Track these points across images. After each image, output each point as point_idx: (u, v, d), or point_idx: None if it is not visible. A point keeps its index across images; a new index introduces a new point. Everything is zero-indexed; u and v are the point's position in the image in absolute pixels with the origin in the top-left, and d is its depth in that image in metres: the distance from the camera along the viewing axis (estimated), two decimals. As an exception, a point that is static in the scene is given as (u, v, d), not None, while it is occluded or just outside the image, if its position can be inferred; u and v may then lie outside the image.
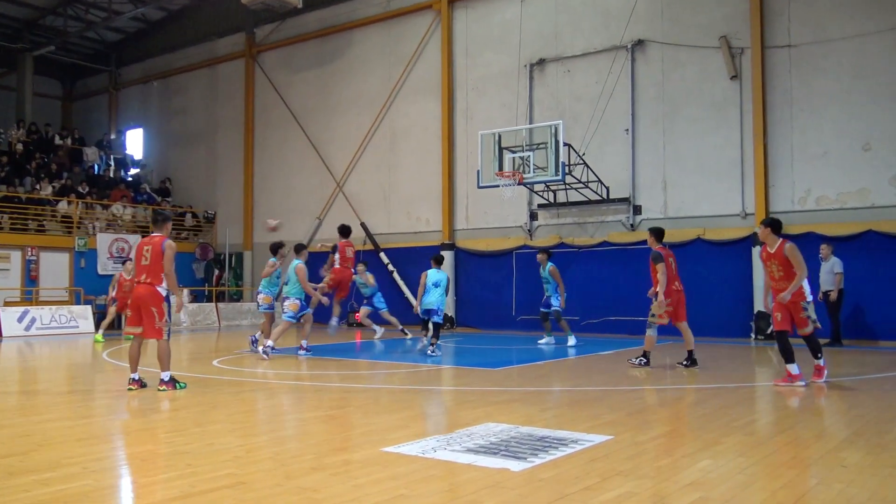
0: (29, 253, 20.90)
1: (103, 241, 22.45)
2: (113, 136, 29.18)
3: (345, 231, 14.90)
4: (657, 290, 10.22)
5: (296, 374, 10.68)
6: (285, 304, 12.46)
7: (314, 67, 23.95)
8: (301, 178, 24.13)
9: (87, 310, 20.14)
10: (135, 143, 29.85)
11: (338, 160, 23.17)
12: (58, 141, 26.76)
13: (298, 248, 12.91)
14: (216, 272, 25.24)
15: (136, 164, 28.96)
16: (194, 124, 27.54)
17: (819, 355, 8.72)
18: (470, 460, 5.02)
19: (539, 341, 14.68)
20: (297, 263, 12.51)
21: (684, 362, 10.54)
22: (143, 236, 23.10)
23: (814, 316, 8.65)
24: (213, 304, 22.86)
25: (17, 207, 21.76)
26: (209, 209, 26.55)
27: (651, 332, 10.54)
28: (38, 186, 23.25)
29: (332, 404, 7.83)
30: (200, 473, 4.79)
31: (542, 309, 14.45)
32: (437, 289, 12.58)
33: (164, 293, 8.59)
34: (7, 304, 19.75)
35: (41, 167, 24.49)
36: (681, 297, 10.60)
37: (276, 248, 13.08)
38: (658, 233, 10.78)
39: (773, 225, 8.84)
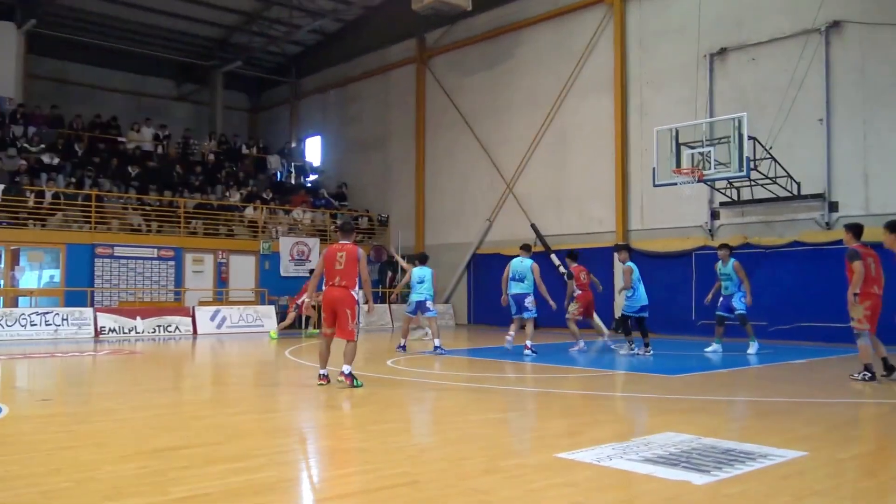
0: (220, 256, 22.68)
1: (285, 244, 23.92)
2: (293, 145, 31.10)
3: (573, 256, 14.81)
4: (852, 290, 9.37)
5: (468, 375, 10.85)
6: (527, 301, 13.04)
7: (483, 69, 24.26)
8: (471, 181, 24.51)
9: (271, 310, 21.53)
10: (313, 150, 31.61)
11: (508, 161, 23.32)
12: (244, 151, 28.87)
13: (527, 248, 13.68)
14: (389, 274, 26.12)
15: (314, 170, 30.66)
16: (368, 130, 28.73)
17: None
18: (648, 471, 4.87)
19: (706, 349, 13.66)
20: (532, 263, 13.16)
21: (883, 373, 9.59)
22: (321, 241, 24.76)
23: None
24: (387, 306, 23.69)
25: (210, 214, 23.69)
26: (382, 213, 27.59)
27: (862, 342, 9.53)
28: (227, 194, 25.18)
29: (505, 407, 7.87)
30: (377, 470, 4.98)
31: (718, 312, 13.57)
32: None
33: (356, 297, 9.04)
34: (201, 303, 21.50)
35: (230, 175, 26.52)
36: (878, 303, 9.58)
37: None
38: (856, 229, 9.90)
39: None
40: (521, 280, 13.08)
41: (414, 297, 14.12)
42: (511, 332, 13.55)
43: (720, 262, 13.60)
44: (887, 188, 15.68)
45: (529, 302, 13.07)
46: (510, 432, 6.58)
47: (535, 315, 13.19)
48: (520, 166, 22.88)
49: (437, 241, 25.52)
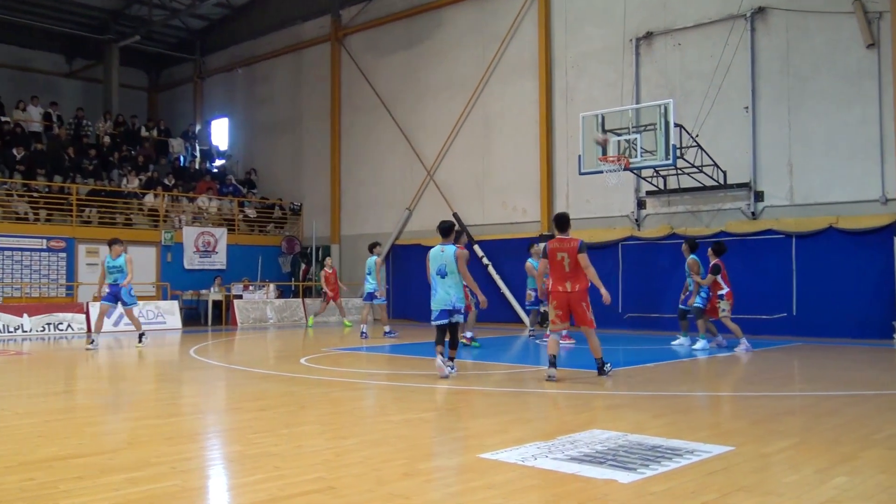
0: (117, 247, 21.93)
1: (189, 234, 23.35)
2: (198, 127, 30.33)
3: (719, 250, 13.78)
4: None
5: (387, 373, 10.82)
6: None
7: (402, 50, 24.18)
8: (390, 167, 24.43)
9: (175, 305, 21.00)
10: (220, 133, 30.92)
11: (428, 147, 23.34)
12: (144, 133, 28.00)
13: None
14: (303, 266, 25.84)
15: (221, 155, 30.00)
16: (279, 113, 28.28)
17: None
18: (574, 470, 4.95)
19: (673, 342, 14.16)
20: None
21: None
22: (228, 230, 24.23)
23: None
24: (300, 300, 23.44)
25: (106, 201, 22.90)
26: (295, 201, 27.23)
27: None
28: (125, 180, 24.39)
29: (427, 406, 7.89)
30: (289, 476, 4.91)
31: (680, 306, 14.03)
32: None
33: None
34: (96, 299, 20.76)
35: (127, 160, 25.68)
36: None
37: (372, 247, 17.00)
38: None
39: None
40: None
41: (365, 287, 17.01)
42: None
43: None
44: (811, 177, 16.38)
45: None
46: (432, 433, 6.59)
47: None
48: (441, 153, 22.93)
49: (353, 231, 25.35)
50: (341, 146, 26.01)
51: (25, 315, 18.30)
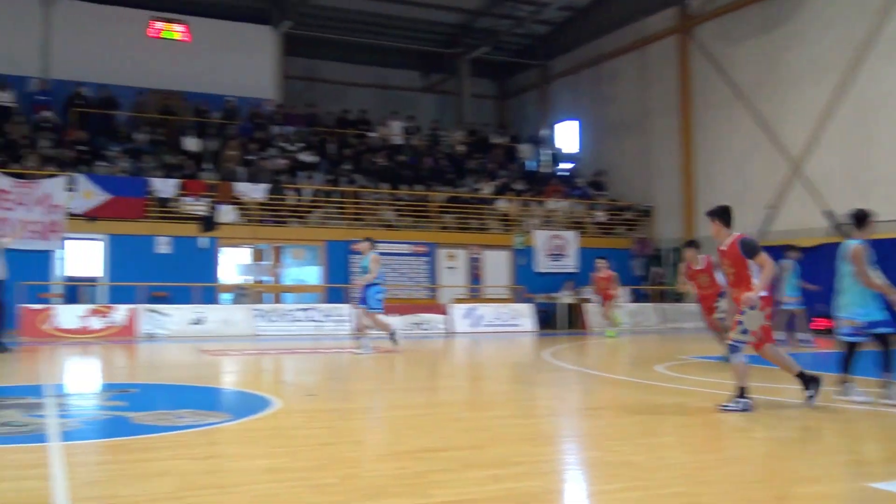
0: (472, 251, 23.49)
1: (540, 238, 24.22)
2: (545, 132, 31.36)
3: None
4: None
5: (755, 386, 10.23)
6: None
7: (758, 36, 22.78)
8: (748, 163, 23.15)
9: (528, 308, 21.87)
10: (567, 136, 31.64)
11: (790, 139, 21.72)
12: (493, 140, 29.61)
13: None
14: (655, 269, 25.52)
15: (568, 158, 30.70)
16: (626, 112, 28.18)
17: None
18: None
19: None
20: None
21: None
22: (580, 233, 24.71)
23: None
24: (654, 305, 23.13)
25: (461, 207, 24.60)
26: (645, 202, 26.97)
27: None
28: (478, 186, 25.99)
29: (794, 424, 7.31)
30: (650, 488, 4.83)
31: None
32: None
33: None
34: (456, 300, 22.40)
35: (480, 167, 27.33)
36: None
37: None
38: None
39: None
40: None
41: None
42: None
43: None
44: None
45: None
46: (806, 454, 6.09)
47: None
48: (808, 145, 21.20)
49: (709, 232, 24.38)
50: (692, 143, 25.21)
51: (394, 315, 20.29)
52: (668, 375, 10.84)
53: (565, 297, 22.78)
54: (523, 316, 21.48)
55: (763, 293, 7.64)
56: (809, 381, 7.83)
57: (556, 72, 31.97)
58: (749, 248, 7.82)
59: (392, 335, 14.41)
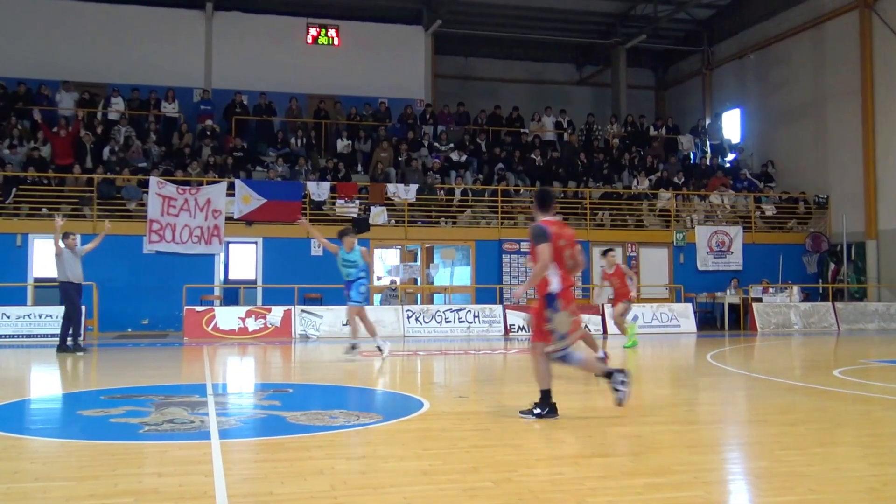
0: (629, 249, 23.03)
1: (702, 234, 23.45)
2: (707, 121, 30.27)
3: None
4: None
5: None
6: None
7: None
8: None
9: (688, 308, 21.20)
10: (731, 125, 30.44)
11: None
12: (652, 132, 28.87)
13: None
14: (832, 266, 24.23)
15: (733, 148, 29.52)
16: (798, 97, 26.77)
17: None
18: None
19: None
20: None
21: None
22: (744, 229, 23.77)
23: None
24: (830, 304, 21.97)
25: (616, 203, 24.15)
26: (820, 193, 25.56)
27: None
28: (634, 181, 25.43)
29: None
30: (825, 501, 4.56)
31: None
32: None
33: None
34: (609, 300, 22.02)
35: (637, 161, 26.72)
36: None
37: None
38: None
39: None
40: None
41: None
42: None
43: None
44: None
45: None
46: None
47: None
48: None
49: (894, 225, 22.90)
50: (876, 128, 23.64)
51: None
52: (848, 381, 10.22)
53: (730, 297, 21.96)
54: (683, 316, 20.83)
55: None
56: None
57: (720, 58, 30.79)
58: None
59: (373, 341, 13.45)
